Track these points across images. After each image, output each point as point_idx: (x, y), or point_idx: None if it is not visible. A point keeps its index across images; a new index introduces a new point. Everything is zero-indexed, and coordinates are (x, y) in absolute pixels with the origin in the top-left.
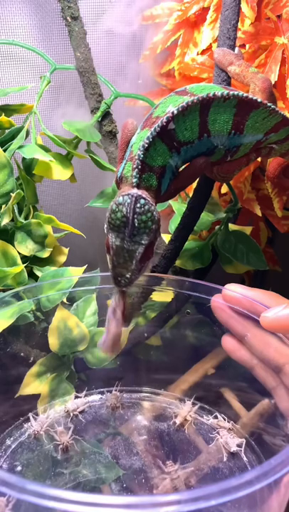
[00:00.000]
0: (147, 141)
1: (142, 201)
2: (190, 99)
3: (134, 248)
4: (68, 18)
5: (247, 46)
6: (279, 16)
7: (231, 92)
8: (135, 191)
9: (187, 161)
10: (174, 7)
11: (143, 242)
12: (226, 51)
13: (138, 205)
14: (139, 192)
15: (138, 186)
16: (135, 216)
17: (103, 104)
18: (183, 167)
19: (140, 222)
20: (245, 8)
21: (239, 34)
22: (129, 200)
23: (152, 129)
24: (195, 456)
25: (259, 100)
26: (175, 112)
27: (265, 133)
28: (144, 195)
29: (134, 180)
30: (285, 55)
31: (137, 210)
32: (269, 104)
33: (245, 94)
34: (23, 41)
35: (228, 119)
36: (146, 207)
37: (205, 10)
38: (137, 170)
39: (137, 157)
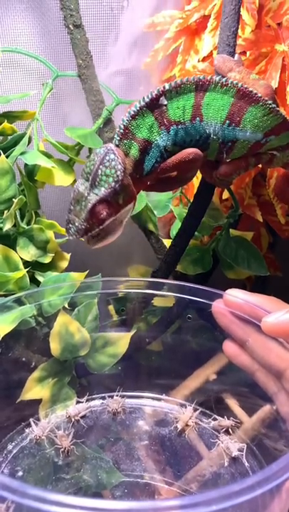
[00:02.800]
0: (134, 109)
1: (112, 156)
2: (186, 78)
3: (90, 198)
4: (70, 26)
5: (248, 53)
6: (279, 24)
7: (230, 80)
8: (110, 145)
9: (178, 145)
10: (175, 15)
11: (99, 194)
12: (226, 58)
13: (107, 157)
14: (114, 148)
15: (117, 147)
16: (100, 167)
17: (105, 110)
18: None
19: (102, 174)
20: (245, 15)
21: (240, 41)
22: (102, 152)
23: (141, 99)
24: (196, 461)
25: (259, 95)
26: (167, 86)
27: (264, 133)
28: (116, 152)
29: (114, 140)
30: (285, 62)
31: (105, 161)
32: (270, 102)
33: (245, 86)
34: (26, 49)
35: (223, 107)
36: (113, 163)
37: (206, 18)
38: (118, 132)
39: (121, 121)
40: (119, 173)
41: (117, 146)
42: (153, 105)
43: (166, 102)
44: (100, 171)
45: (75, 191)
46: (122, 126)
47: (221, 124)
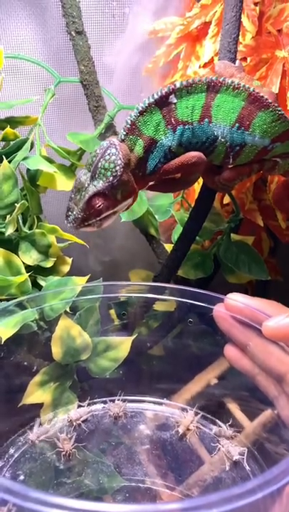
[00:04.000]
0: (143, 105)
1: (113, 150)
2: (198, 78)
3: (88, 189)
4: (73, 32)
5: (248, 59)
6: (279, 30)
7: (242, 83)
8: (114, 140)
9: (183, 147)
10: (177, 22)
11: (97, 186)
12: (226, 64)
13: (108, 151)
14: (117, 142)
15: (122, 141)
16: (101, 160)
17: (106, 116)
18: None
19: (102, 167)
20: (246, 22)
21: (240, 47)
22: (105, 145)
23: (151, 95)
24: (197, 465)
25: (269, 101)
26: (178, 85)
27: (271, 139)
28: (118, 147)
29: (120, 134)
30: (285, 68)
31: (106, 155)
32: (279, 108)
33: (257, 91)
34: (29, 55)
35: (233, 110)
36: (113, 157)
37: (206, 24)
38: (125, 127)
39: (129, 117)
40: (118, 168)
41: (122, 140)
42: (162, 103)
43: (175, 101)
44: (100, 164)
45: (77, 180)
46: (129, 121)
47: (230, 127)
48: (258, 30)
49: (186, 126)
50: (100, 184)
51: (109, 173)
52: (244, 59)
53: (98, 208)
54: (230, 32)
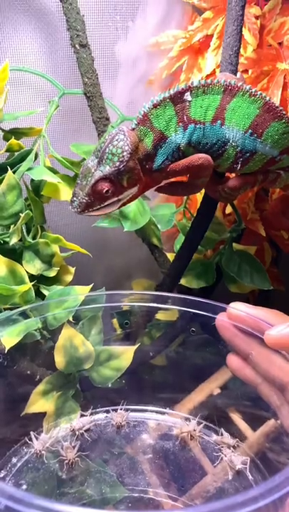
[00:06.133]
0: (158, 99)
1: (121, 136)
2: (216, 80)
3: (95, 174)
4: (77, 45)
5: (250, 71)
6: (280, 43)
7: (259, 92)
8: (124, 127)
9: (192, 146)
10: (179, 35)
11: (103, 171)
12: (228, 75)
13: (116, 137)
14: (126, 129)
15: (132, 130)
16: (109, 145)
17: (110, 127)
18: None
19: (109, 152)
20: (247, 35)
21: (242, 60)
22: (114, 131)
23: (167, 91)
24: (200, 475)
25: (284, 112)
26: (195, 83)
27: (280, 151)
28: (126, 134)
29: (132, 125)
30: (286, 80)
31: (114, 141)
32: None
33: (272, 101)
34: (34, 68)
35: (248, 116)
36: (121, 143)
37: (208, 37)
38: (137, 118)
39: (142, 108)
40: (125, 154)
41: (132, 129)
42: (177, 99)
43: (190, 99)
44: (107, 149)
45: (84, 166)
46: (141, 112)
47: (243, 132)
48: (259, 43)
49: (198, 126)
50: (106, 169)
51: (116, 159)
52: (245, 71)
53: (103, 193)
54: (231, 45)
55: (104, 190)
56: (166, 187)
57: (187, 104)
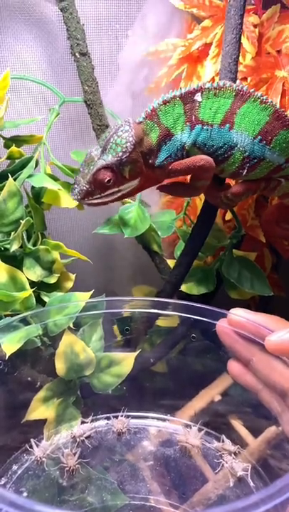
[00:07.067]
0: (168, 96)
1: (126, 128)
2: (228, 83)
3: (98, 162)
4: (77, 54)
5: (249, 79)
6: (279, 51)
7: (270, 100)
8: (130, 119)
9: (197, 147)
10: (178, 43)
11: (106, 160)
12: (227, 83)
13: (121, 128)
14: (132, 121)
15: (139, 124)
16: (113, 135)
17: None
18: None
19: (113, 142)
20: (246, 43)
21: (241, 68)
22: (120, 123)
23: (178, 89)
24: (201, 482)
25: None
26: (207, 85)
27: (287, 158)
28: (131, 126)
29: (140, 118)
30: (285, 88)
31: (118, 131)
32: None
33: (282, 109)
34: (34, 76)
35: (258, 122)
36: (126, 134)
37: (207, 46)
38: (145, 112)
39: (152, 103)
40: (128, 145)
41: (139, 123)
42: (187, 98)
43: (200, 100)
44: (112, 139)
45: (88, 155)
46: (150, 107)
47: (252, 138)
48: (258, 51)
49: (205, 127)
50: (109, 158)
51: (119, 149)
52: (244, 79)
53: (104, 182)
54: (230, 53)
55: (105, 180)
56: (167, 186)
57: (197, 104)
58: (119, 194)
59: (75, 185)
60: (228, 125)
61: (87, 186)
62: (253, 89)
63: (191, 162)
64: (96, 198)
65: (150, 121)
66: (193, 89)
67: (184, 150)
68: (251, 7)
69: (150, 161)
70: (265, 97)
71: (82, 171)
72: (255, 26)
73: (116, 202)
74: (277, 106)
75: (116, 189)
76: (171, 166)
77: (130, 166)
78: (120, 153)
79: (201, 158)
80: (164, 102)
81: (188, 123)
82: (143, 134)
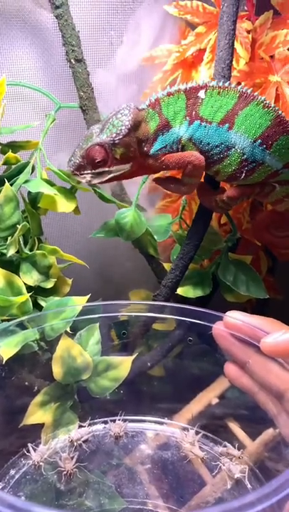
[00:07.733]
0: (173, 89)
1: (126, 111)
2: (233, 85)
3: (94, 139)
4: (72, 60)
5: (242, 84)
6: (272, 56)
7: (273, 105)
8: (132, 104)
9: (193, 143)
10: (173, 49)
11: (101, 137)
12: (232, 84)
13: (121, 111)
14: (133, 106)
15: (140, 111)
16: (112, 117)
17: None
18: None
19: (111, 123)
20: (239, 49)
21: (234, 73)
22: (122, 105)
23: (184, 84)
24: (199, 485)
25: None
26: (213, 83)
27: (284, 164)
28: (131, 111)
29: (143, 105)
30: (278, 92)
31: (118, 114)
32: None
33: (283, 115)
34: (30, 82)
35: (260, 126)
36: (124, 117)
37: (201, 51)
38: (149, 100)
39: (157, 93)
40: (123, 128)
41: (141, 110)
42: (191, 93)
43: (203, 97)
44: (111, 120)
45: (89, 130)
46: (154, 96)
47: (252, 141)
48: (251, 56)
49: (203, 123)
50: (103, 137)
51: (114, 130)
52: (238, 84)
53: (95, 159)
54: (224, 58)
55: (96, 156)
56: (161, 179)
57: (199, 101)
58: (109, 176)
59: (72, 157)
60: (227, 125)
61: (80, 160)
62: (257, 93)
63: (182, 156)
64: (87, 174)
65: (152, 110)
66: (198, 85)
67: (179, 143)
68: (244, 13)
69: (145, 149)
70: (268, 102)
71: (81, 145)
72: (248, 32)
73: (107, 183)
74: (280, 112)
75: (106, 169)
76: (164, 158)
77: (123, 149)
78: (114, 135)
79: (192, 154)
80: (169, 94)
81: (187, 117)
82: (142, 120)
